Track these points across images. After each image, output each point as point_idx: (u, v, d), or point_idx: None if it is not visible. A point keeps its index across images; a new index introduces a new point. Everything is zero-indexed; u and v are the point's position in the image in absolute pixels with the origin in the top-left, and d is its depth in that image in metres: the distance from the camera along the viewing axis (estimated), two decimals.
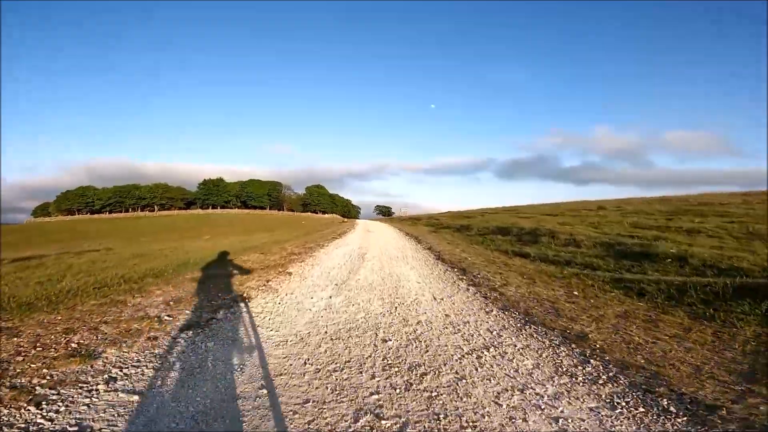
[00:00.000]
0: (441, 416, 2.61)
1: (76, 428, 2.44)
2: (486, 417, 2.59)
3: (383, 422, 2.54)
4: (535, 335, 4.14)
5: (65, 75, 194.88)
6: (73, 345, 3.66)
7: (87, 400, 2.75)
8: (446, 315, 4.93)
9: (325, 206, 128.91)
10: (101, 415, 2.59)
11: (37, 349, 3.53)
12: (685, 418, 2.56)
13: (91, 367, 3.26)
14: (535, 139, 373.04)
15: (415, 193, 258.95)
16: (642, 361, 3.40)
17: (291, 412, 2.65)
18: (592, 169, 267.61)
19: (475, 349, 3.75)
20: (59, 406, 2.66)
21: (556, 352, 3.69)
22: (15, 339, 3.71)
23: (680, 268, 6.38)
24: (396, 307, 5.28)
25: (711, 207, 14.93)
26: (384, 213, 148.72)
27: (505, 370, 3.30)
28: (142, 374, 3.17)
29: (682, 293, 4.95)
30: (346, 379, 3.15)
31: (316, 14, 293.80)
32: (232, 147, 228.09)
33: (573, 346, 3.80)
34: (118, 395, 2.83)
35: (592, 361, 3.47)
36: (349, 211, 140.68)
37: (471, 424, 2.51)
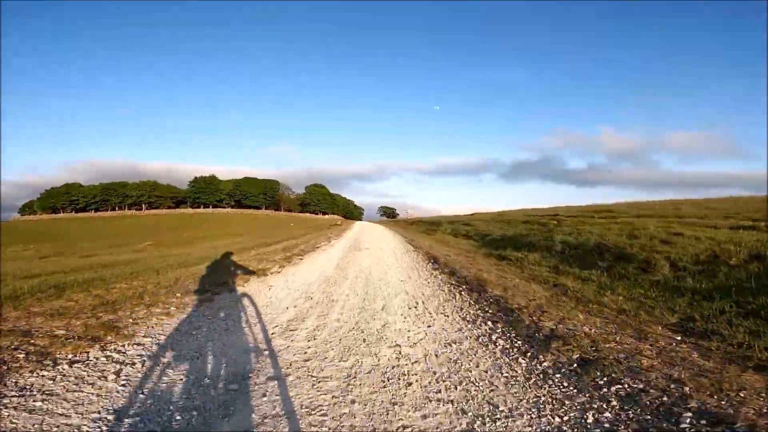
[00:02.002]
0: None
1: None
2: None
3: None
4: None
5: (67, 73, 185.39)
6: None
7: None
8: None
9: (325, 206, 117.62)
10: None
11: None
12: None
13: None
14: (539, 140, 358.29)
15: (418, 194, 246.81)
16: None
17: None
18: (598, 170, 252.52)
19: None
20: None
21: None
22: None
23: None
24: None
25: None
26: (388, 214, 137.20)
27: None
28: None
29: None
30: None
31: (318, 15, 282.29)
32: (235, 148, 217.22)
33: None
34: None
35: None
36: (351, 212, 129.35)
37: None
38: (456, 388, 2.53)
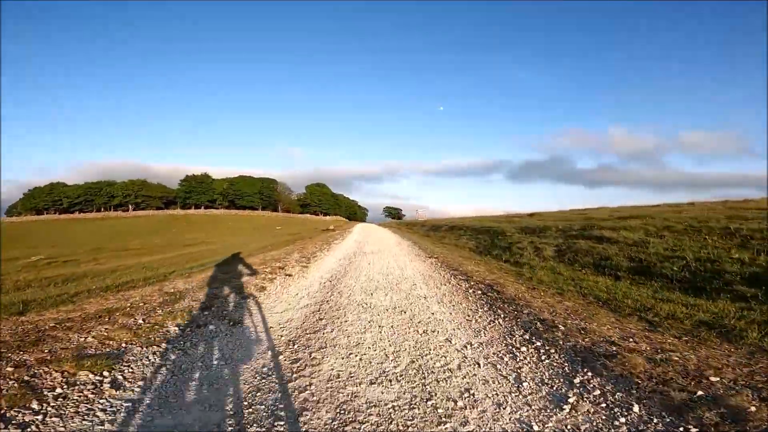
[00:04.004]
0: None
1: None
2: None
3: None
4: None
5: (75, 74, 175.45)
6: None
7: None
8: None
9: (326, 207, 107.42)
10: None
11: None
12: None
13: None
14: (549, 140, 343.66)
15: (425, 195, 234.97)
16: None
17: None
18: (608, 170, 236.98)
19: None
20: None
21: None
22: None
23: None
24: None
25: None
26: (393, 215, 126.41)
27: None
28: None
29: None
30: None
31: (322, 15, 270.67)
32: (242, 148, 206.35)
33: None
34: None
35: None
36: (354, 213, 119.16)
37: None
38: None
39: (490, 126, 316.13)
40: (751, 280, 4.55)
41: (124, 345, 3.27)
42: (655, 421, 2.18)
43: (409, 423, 2.24)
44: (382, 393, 2.59)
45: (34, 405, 2.27)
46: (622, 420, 2.22)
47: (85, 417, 2.24)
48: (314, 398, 2.53)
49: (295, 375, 2.88)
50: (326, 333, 3.83)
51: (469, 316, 4.43)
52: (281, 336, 3.76)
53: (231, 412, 2.34)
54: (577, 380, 2.73)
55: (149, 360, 3.07)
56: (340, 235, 20.28)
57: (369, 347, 3.44)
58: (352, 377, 2.84)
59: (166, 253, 17.59)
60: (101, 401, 2.42)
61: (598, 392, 2.54)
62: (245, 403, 2.45)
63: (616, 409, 2.33)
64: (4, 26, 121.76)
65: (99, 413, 2.29)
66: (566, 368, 2.92)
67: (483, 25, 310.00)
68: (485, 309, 4.67)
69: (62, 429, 2.10)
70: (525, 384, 2.71)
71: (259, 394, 2.59)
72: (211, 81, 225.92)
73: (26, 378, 2.53)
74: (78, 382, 2.58)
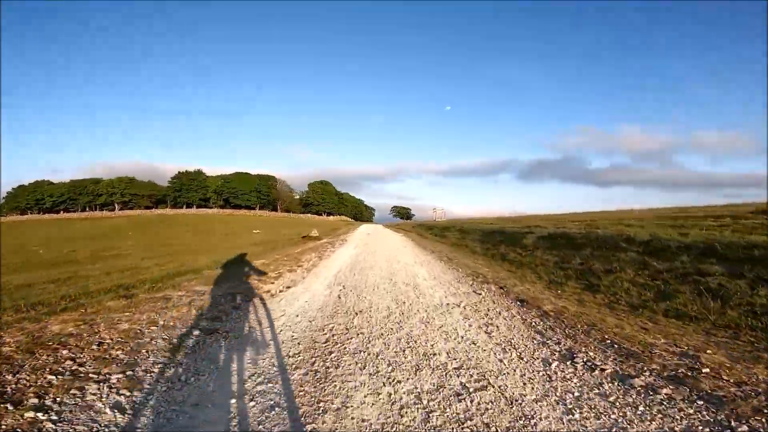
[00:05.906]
0: None
1: None
2: None
3: None
4: None
5: (83, 72, 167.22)
6: None
7: None
8: None
9: (330, 206, 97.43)
10: None
11: None
12: None
13: None
14: (559, 139, 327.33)
15: (431, 195, 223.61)
16: None
17: None
18: (619, 170, 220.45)
19: None
20: None
21: None
22: None
23: None
24: None
25: None
26: (402, 215, 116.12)
27: None
28: None
29: None
30: None
31: (328, 14, 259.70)
32: (245, 148, 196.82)
33: None
34: None
35: None
36: (361, 213, 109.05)
37: None
38: None
39: (498, 125, 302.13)
40: None
41: None
42: None
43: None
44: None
45: None
46: None
47: None
48: None
49: None
50: None
51: None
52: None
53: None
54: None
55: None
56: (319, 256, 10.22)
57: None
58: None
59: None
60: None
61: None
62: None
63: None
64: (5, 26, 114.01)
65: None
66: None
67: (491, 23, 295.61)
68: None
69: None
70: None
71: None
72: (218, 80, 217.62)
73: None
74: None
